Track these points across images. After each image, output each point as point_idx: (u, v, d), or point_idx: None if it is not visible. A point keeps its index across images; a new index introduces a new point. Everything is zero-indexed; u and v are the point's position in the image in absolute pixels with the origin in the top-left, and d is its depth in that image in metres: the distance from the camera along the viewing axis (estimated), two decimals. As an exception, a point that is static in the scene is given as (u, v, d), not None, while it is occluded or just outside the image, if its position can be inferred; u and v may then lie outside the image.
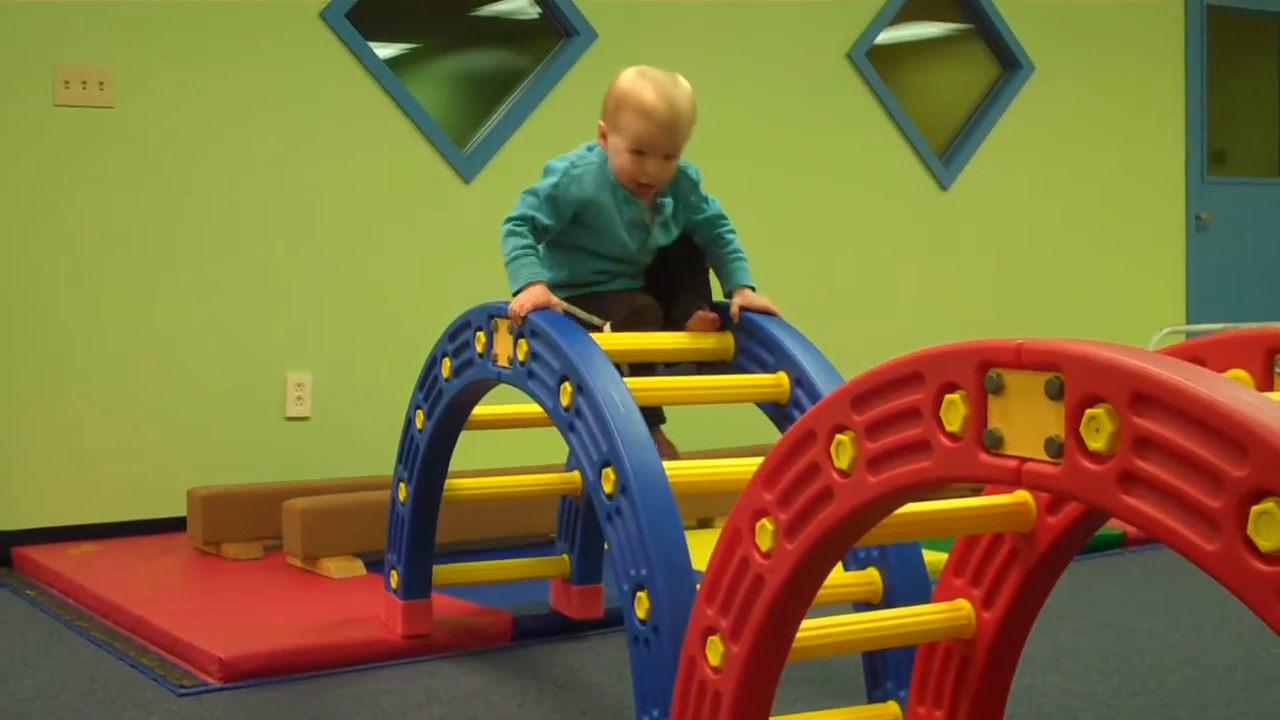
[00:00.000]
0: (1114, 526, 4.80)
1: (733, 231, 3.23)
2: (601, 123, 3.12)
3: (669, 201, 3.17)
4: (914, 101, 6.64)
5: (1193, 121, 7.51)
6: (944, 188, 6.65)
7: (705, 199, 3.22)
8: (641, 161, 3.05)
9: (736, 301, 3.11)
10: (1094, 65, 7.08)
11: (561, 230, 3.15)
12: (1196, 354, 1.83)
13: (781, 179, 6.11)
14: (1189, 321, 7.33)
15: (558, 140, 5.24)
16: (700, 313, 3.09)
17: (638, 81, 3.06)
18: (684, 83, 3.11)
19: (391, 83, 5.33)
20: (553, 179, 3.12)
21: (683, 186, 3.18)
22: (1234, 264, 7.65)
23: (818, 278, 6.21)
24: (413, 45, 5.87)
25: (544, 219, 3.10)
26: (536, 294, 3.01)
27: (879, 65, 6.45)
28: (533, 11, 5.72)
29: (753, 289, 3.16)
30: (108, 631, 3.88)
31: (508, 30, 5.97)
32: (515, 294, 3.04)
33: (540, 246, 3.12)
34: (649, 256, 3.23)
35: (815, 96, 6.26)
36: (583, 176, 3.11)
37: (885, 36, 6.53)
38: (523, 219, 3.10)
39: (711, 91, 5.88)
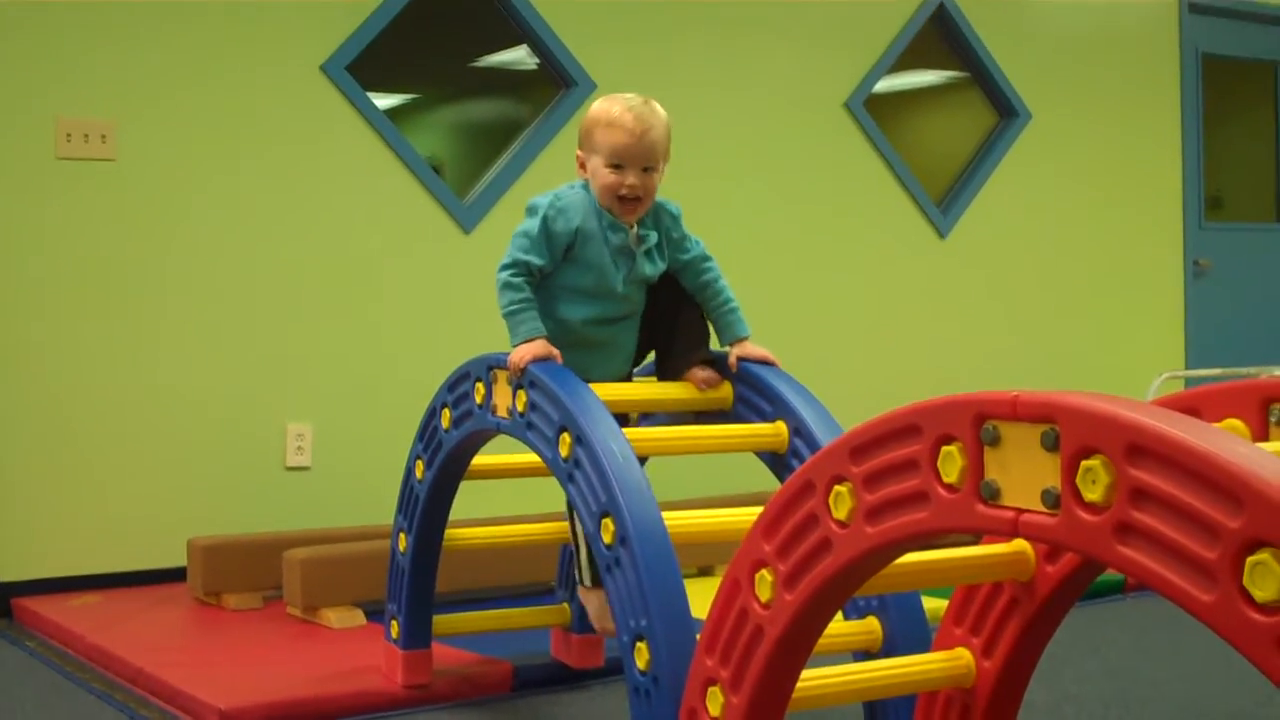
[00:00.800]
0: (1115, 572, 4.79)
1: (721, 278, 3.23)
2: (579, 153, 3.18)
3: (652, 233, 3.17)
4: (911, 150, 6.67)
5: (1189, 168, 7.54)
6: (942, 236, 6.67)
7: (688, 237, 3.22)
8: (621, 175, 3.08)
9: (734, 352, 3.12)
10: (1091, 113, 7.12)
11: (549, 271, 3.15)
12: (1192, 404, 1.84)
13: (780, 228, 6.13)
14: (1188, 367, 7.34)
15: (557, 190, 5.30)
16: (702, 373, 3.09)
17: (606, 101, 3.16)
18: (656, 103, 3.17)
19: (391, 134, 5.35)
20: (540, 215, 3.12)
21: (664, 220, 3.19)
22: (1233, 309, 7.67)
23: (816, 326, 6.23)
24: (412, 96, 5.90)
25: (537, 260, 3.09)
26: (537, 347, 3.02)
27: (876, 114, 6.49)
28: (531, 62, 5.76)
29: (748, 337, 3.17)
30: (108, 683, 3.87)
31: (507, 81, 6.01)
32: (515, 347, 3.05)
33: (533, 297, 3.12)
34: (636, 296, 3.20)
35: (813, 146, 6.29)
36: (568, 208, 3.12)
37: (883, 85, 6.56)
38: (516, 266, 3.09)
39: (709, 140, 5.93)
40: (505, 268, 3.11)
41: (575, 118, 5.65)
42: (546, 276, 3.15)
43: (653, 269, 3.18)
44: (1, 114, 4.74)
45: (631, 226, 3.14)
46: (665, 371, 3.18)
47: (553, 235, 3.10)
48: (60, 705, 3.66)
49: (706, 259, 3.23)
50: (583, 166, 3.17)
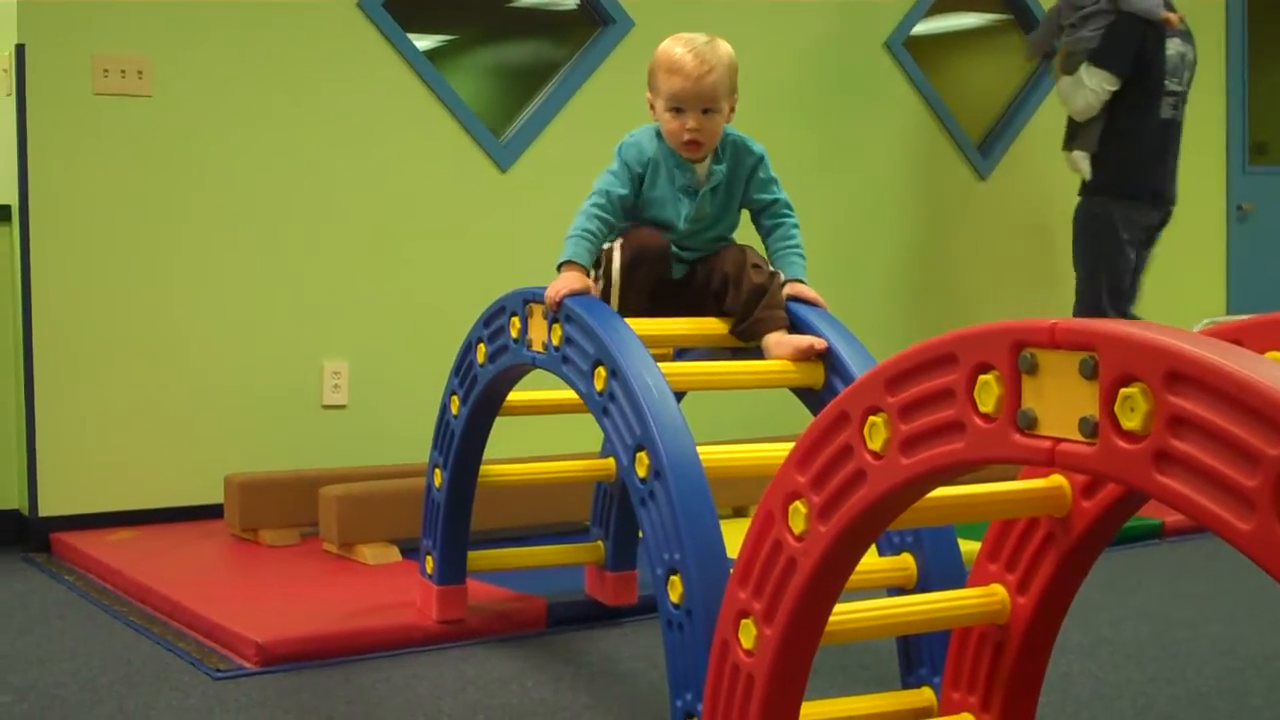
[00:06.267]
0: (1152, 516, 4.78)
1: (797, 225, 3.25)
2: (648, 94, 3.21)
3: (720, 169, 3.20)
4: (952, 91, 6.61)
5: (1234, 111, 7.45)
6: (982, 177, 6.62)
7: (775, 181, 3.26)
8: (682, 118, 3.12)
9: (786, 291, 3.11)
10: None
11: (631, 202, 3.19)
12: (1235, 336, 1.81)
13: (818, 168, 6.09)
14: (1230, 312, 7.28)
15: (595, 128, 5.28)
16: (798, 341, 2.97)
17: (669, 43, 3.19)
18: (721, 42, 3.21)
19: (429, 72, 5.33)
20: (618, 149, 3.21)
21: (743, 157, 3.23)
22: (1276, 254, 7.60)
23: (855, 267, 6.19)
24: (451, 37, 5.87)
25: (619, 189, 3.15)
26: (573, 280, 3.02)
27: (917, 55, 6.42)
28: (570, 2, 5.72)
29: (801, 281, 3.17)
30: (145, 616, 3.90)
31: (545, 21, 5.98)
32: (558, 267, 3.08)
33: (603, 231, 3.14)
34: (703, 233, 3.21)
35: (852, 86, 6.24)
36: (640, 141, 3.20)
37: (923, 26, 6.50)
38: (598, 194, 3.15)
39: (747, 80, 5.86)
40: (595, 192, 3.16)
41: (613, 55, 5.62)
42: (630, 209, 3.20)
43: (713, 206, 3.20)
44: (39, 50, 4.73)
45: (699, 163, 3.19)
46: (744, 334, 3.10)
47: (629, 165, 3.18)
48: (98, 638, 3.69)
49: (788, 207, 3.26)
50: (652, 109, 3.22)
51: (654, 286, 3.15)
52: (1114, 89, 5.79)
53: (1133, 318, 5.96)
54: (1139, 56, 5.80)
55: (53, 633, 3.75)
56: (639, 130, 3.25)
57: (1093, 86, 5.79)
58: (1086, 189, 5.99)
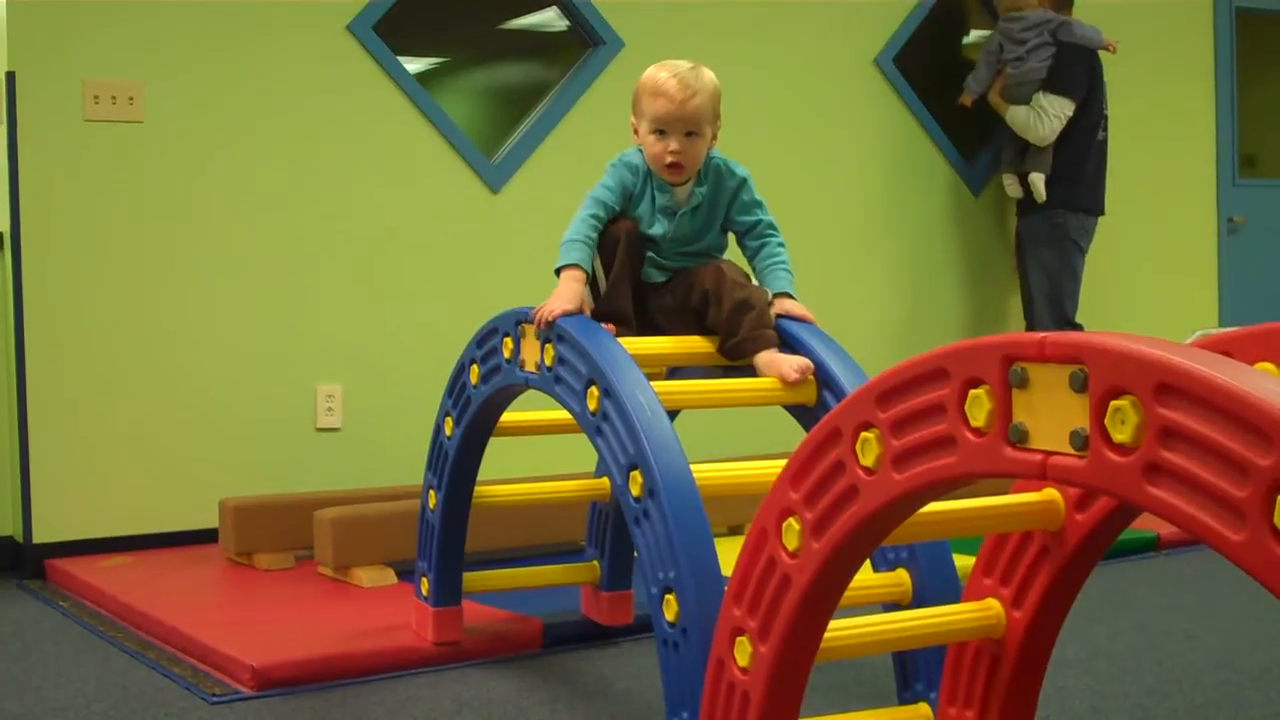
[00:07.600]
0: (1147, 529, 4.78)
1: (782, 244, 3.27)
2: (632, 119, 3.25)
3: (701, 191, 3.23)
4: (943, 107, 6.62)
5: (1223, 125, 7.47)
6: (975, 193, 6.63)
7: (759, 204, 3.28)
8: (665, 141, 3.16)
9: (775, 308, 3.12)
10: (1123, 69, 7.04)
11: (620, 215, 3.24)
12: (1225, 347, 1.82)
13: (809, 185, 6.10)
14: (1222, 324, 7.29)
15: (585, 149, 5.29)
16: (792, 364, 2.96)
17: (654, 69, 3.24)
18: (706, 69, 3.24)
19: (419, 94, 5.34)
20: (613, 164, 3.26)
21: (725, 180, 3.25)
22: (1267, 266, 7.61)
23: (847, 283, 6.20)
24: (441, 59, 5.88)
25: (611, 202, 3.21)
26: (565, 299, 3.03)
27: (907, 71, 6.44)
28: (560, 24, 5.73)
29: (789, 296, 3.17)
30: (140, 641, 3.89)
31: (535, 42, 5.98)
32: (556, 271, 3.11)
33: (598, 239, 3.19)
34: (682, 247, 3.24)
35: (842, 102, 6.26)
36: (632, 160, 3.25)
37: (914, 42, 6.50)
38: (593, 203, 3.20)
39: (738, 98, 5.88)
40: (590, 200, 3.21)
41: (603, 76, 5.63)
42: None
43: (693, 227, 3.24)
44: (29, 76, 4.74)
45: (677, 186, 3.23)
46: (733, 352, 3.11)
47: (623, 182, 3.23)
48: (93, 664, 3.68)
49: (773, 227, 3.28)
50: (636, 133, 3.25)
51: (635, 276, 3.21)
52: (1071, 114, 6.30)
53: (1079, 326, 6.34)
54: (1089, 82, 6.34)
55: (47, 659, 3.74)
56: (631, 150, 3.28)
57: (1055, 113, 6.29)
58: (1037, 205, 6.38)
